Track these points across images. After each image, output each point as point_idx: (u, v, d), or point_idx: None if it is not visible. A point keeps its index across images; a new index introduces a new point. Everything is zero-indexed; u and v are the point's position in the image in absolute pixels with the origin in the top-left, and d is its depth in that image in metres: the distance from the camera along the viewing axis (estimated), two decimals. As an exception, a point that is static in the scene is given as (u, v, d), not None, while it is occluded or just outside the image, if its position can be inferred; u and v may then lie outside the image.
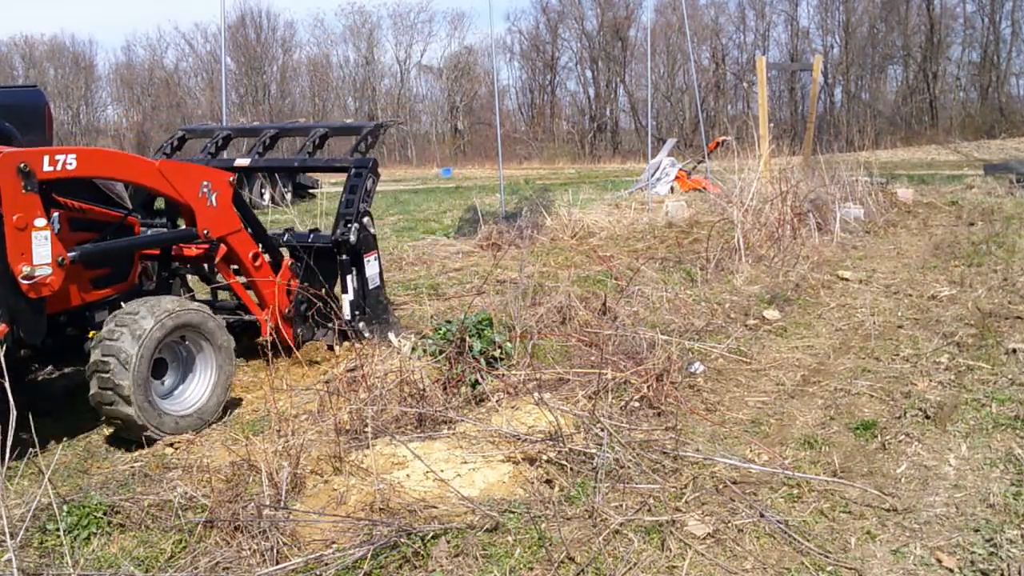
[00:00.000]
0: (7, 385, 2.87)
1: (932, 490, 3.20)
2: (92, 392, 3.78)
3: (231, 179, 4.57)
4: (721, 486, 3.19)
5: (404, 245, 9.28)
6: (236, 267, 4.71)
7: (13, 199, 3.54)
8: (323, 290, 4.79)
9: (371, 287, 5.11)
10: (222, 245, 4.53)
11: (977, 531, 2.86)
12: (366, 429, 3.45)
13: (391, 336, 4.97)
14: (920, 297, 6.44)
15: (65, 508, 2.95)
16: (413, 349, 4.62)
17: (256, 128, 5.97)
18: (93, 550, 2.83)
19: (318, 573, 2.60)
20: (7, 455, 2.93)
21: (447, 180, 24.83)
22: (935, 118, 38.56)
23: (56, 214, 3.82)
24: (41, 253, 3.63)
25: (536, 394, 3.77)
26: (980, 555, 2.71)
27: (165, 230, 4.81)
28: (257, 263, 4.72)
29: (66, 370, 4.75)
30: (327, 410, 3.84)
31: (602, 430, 3.46)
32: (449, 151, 42.34)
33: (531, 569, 2.67)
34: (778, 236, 8.12)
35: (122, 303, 4.05)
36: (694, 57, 34.84)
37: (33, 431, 2.94)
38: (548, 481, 3.22)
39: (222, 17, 8.74)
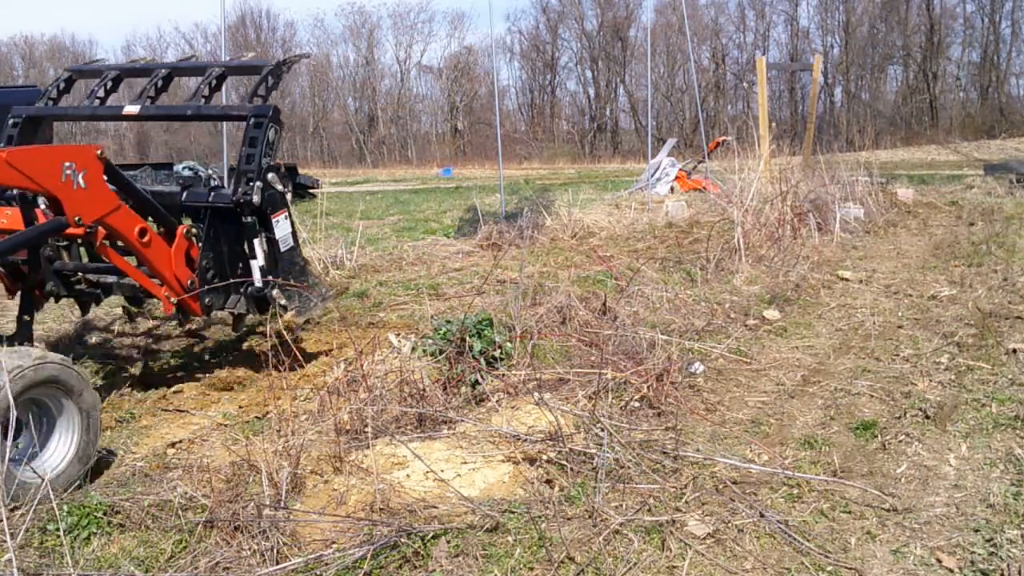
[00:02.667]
0: (7, 385, 2.87)
1: (932, 490, 3.20)
2: None
3: (99, 152, 3.99)
4: (721, 486, 3.19)
5: (404, 245, 9.28)
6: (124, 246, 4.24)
7: None
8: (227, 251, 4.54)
9: (283, 249, 4.61)
10: (100, 228, 3.99)
11: (977, 531, 2.86)
12: (366, 429, 3.45)
13: (392, 338, 4.97)
14: (920, 297, 6.43)
15: (65, 508, 2.95)
16: (413, 349, 4.62)
17: (148, 67, 5.35)
18: (93, 550, 2.82)
19: (318, 573, 2.60)
20: (7, 455, 2.93)
21: (447, 180, 24.83)
22: (935, 118, 38.57)
23: None
24: None
25: (536, 394, 3.77)
26: (980, 555, 2.71)
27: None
28: (145, 239, 4.20)
29: None
30: (327, 410, 3.84)
31: (602, 430, 3.46)
32: (449, 151, 42.35)
33: (531, 569, 2.66)
34: (778, 236, 8.12)
35: None
36: (694, 57, 34.84)
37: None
38: (548, 481, 3.22)
39: (222, 17, 8.74)
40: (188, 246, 4.47)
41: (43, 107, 5.11)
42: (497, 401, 3.90)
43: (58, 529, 2.79)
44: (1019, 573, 2.57)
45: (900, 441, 3.66)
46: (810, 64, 24.66)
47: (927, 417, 3.89)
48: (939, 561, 2.69)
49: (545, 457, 3.32)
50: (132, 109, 4.94)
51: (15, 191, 4.27)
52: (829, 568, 2.68)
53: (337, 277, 7.62)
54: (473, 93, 45.10)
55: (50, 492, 2.82)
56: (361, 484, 3.12)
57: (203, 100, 4.86)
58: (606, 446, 3.33)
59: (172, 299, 4.37)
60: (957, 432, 3.73)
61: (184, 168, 4.80)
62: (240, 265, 4.55)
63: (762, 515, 2.95)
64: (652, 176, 14.54)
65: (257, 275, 4.56)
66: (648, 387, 4.03)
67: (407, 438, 3.46)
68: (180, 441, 3.90)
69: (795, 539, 2.82)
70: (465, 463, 3.30)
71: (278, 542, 2.72)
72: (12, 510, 2.89)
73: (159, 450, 3.80)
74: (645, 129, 26.33)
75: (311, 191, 18.36)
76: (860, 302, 6.35)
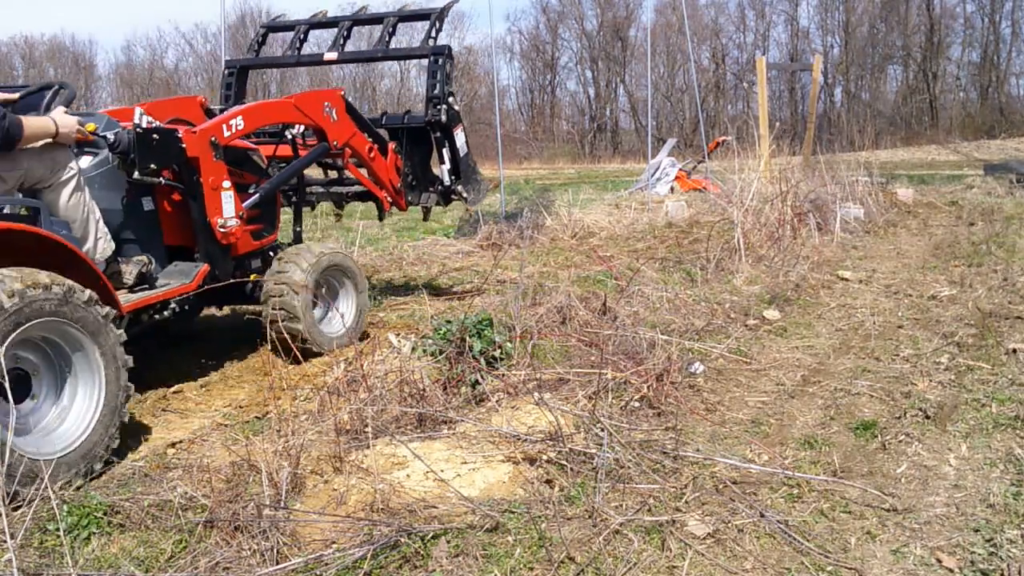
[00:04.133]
0: (7, 385, 2.87)
1: (932, 490, 3.20)
2: (266, 313, 4.82)
3: (342, 93, 5.40)
4: (721, 486, 3.19)
5: (404, 245, 9.27)
6: (357, 161, 5.76)
7: (208, 166, 4.47)
8: (418, 160, 6.16)
9: (461, 155, 6.05)
10: (347, 149, 5.50)
11: (977, 531, 2.86)
12: (366, 429, 3.45)
13: (392, 338, 4.97)
14: (920, 297, 6.43)
15: (65, 508, 2.95)
16: (413, 349, 4.62)
17: (333, 20, 6.54)
18: (93, 550, 2.82)
19: (318, 573, 2.60)
20: (8, 455, 2.93)
21: (447, 180, 24.78)
22: (935, 118, 38.52)
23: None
24: (228, 208, 4.61)
25: (536, 394, 3.77)
26: (980, 555, 2.71)
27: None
28: (372, 155, 5.70)
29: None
30: (327, 410, 3.84)
31: (602, 430, 3.45)
32: (449, 151, 42.23)
33: (531, 569, 2.66)
34: (778, 236, 8.11)
35: (271, 253, 5.10)
36: (694, 57, 34.82)
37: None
38: (548, 481, 3.22)
39: (222, 17, 8.75)
40: (396, 159, 5.91)
41: (251, 58, 6.61)
42: (497, 401, 3.90)
43: (58, 529, 2.79)
44: (1019, 573, 2.57)
45: (900, 441, 3.66)
46: (810, 64, 24.63)
47: (927, 417, 3.89)
48: (939, 561, 2.69)
49: (545, 457, 3.32)
50: (331, 55, 6.29)
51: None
52: (829, 568, 2.68)
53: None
54: (473, 93, 45.01)
55: (49, 492, 2.84)
56: (361, 484, 3.12)
57: (386, 45, 6.27)
58: (606, 446, 3.33)
59: (388, 199, 5.94)
60: (957, 432, 3.73)
61: None
62: (426, 173, 6.17)
63: (762, 515, 2.94)
64: (652, 176, 14.52)
65: (445, 176, 6.09)
66: (648, 387, 4.02)
67: (407, 438, 3.46)
68: (180, 441, 3.90)
69: (795, 539, 2.82)
70: (465, 463, 3.29)
71: (278, 542, 2.72)
72: (14, 509, 2.89)
73: (159, 450, 3.80)
74: (645, 129, 26.31)
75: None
76: (860, 302, 6.35)
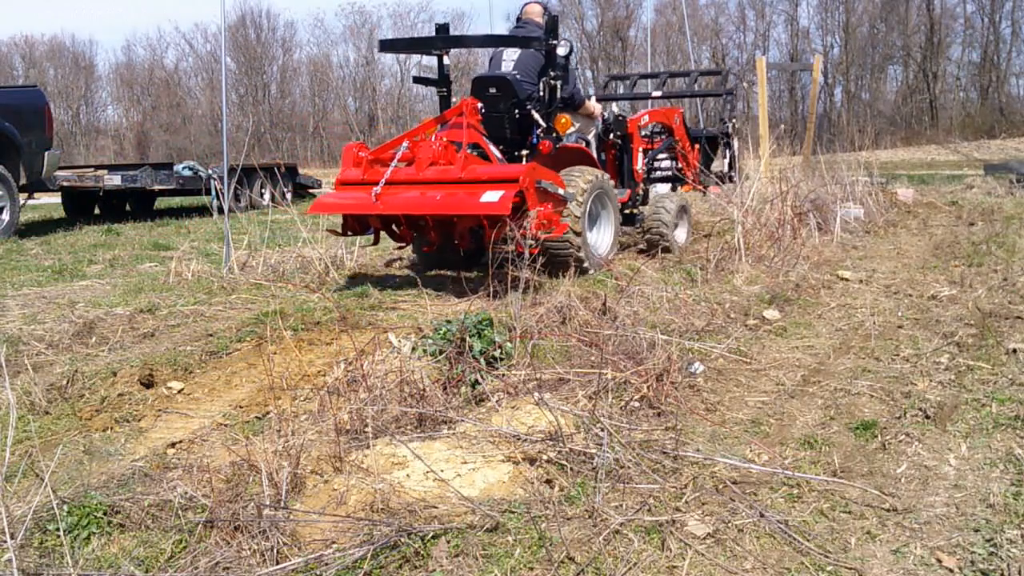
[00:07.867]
0: (6, 383, 2.88)
1: (932, 490, 3.20)
2: (647, 229, 7.84)
3: (681, 112, 8.96)
4: (721, 486, 3.19)
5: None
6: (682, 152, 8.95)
7: (636, 138, 8.01)
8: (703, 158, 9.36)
9: (735, 154, 9.57)
10: (679, 143, 8.72)
11: (977, 531, 2.85)
12: (366, 429, 3.45)
13: (392, 338, 4.97)
14: (920, 297, 6.43)
15: (65, 508, 2.95)
16: (413, 349, 4.62)
17: (654, 73, 10.90)
18: (93, 550, 2.82)
19: (318, 573, 2.60)
20: (7, 455, 2.93)
21: (447, 180, 24.75)
22: (935, 118, 38.53)
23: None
24: (640, 161, 8.08)
25: (536, 394, 3.77)
26: (980, 555, 2.71)
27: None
28: (690, 148, 8.99)
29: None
30: (327, 410, 3.84)
31: (602, 430, 3.45)
32: (449, 151, 42.19)
33: (531, 569, 2.66)
34: (778, 236, 8.11)
35: (639, 195, 8.14)
36: (694, 57, 34.79)
37: (33, 431, 2.95)
38: (548, 481, 3.22)
39: (222, 17, 8.73)
40: (695, 154, 9.10)
41: (602, 93, 10.35)
42: (497, 401, 3.90)
43: (58, 529, 2.79)
44: (1019, 573, 2.57)
45: (900, 441, 3.66)
46: (810, 64, 24.61)
47: (927, 417, 3.89)
48: (939, 561, 2.69)
49: (545, 457, 3.32)
50: (656, 93, 10.09)
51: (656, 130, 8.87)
52: (829, 568, 2.68)
53: (337, 278, 7.61)
54: (473, 93, 44.96)
55: (49, 492, 2.84)
56: (361, 484, 3.12)
57: (692, 87, 10.40)
58: (606, 446, 3.33)
59: (689, 179, 8.78)
60: (957, 432, 3.73)
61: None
62: (707, 163, 9.49)
63: (762, 515, 2.94)
64: (653, 176, 14.56)
65: (726, 168, 9.50)
66: (648, 387, 4.02)
67: (407, 438, 3.46)
68: (180, 441, 3.90)
69: (795, 539, 2.82)
70: (465, 463, 3.29)
71: (278, 542, 2.72)
72: (12, 510, 2.89)
73: (159, 450, 3.80)
74: (645, 129, 26.28)
75: (311, 191, 18.36)
76: (860, 302, 6.34)
